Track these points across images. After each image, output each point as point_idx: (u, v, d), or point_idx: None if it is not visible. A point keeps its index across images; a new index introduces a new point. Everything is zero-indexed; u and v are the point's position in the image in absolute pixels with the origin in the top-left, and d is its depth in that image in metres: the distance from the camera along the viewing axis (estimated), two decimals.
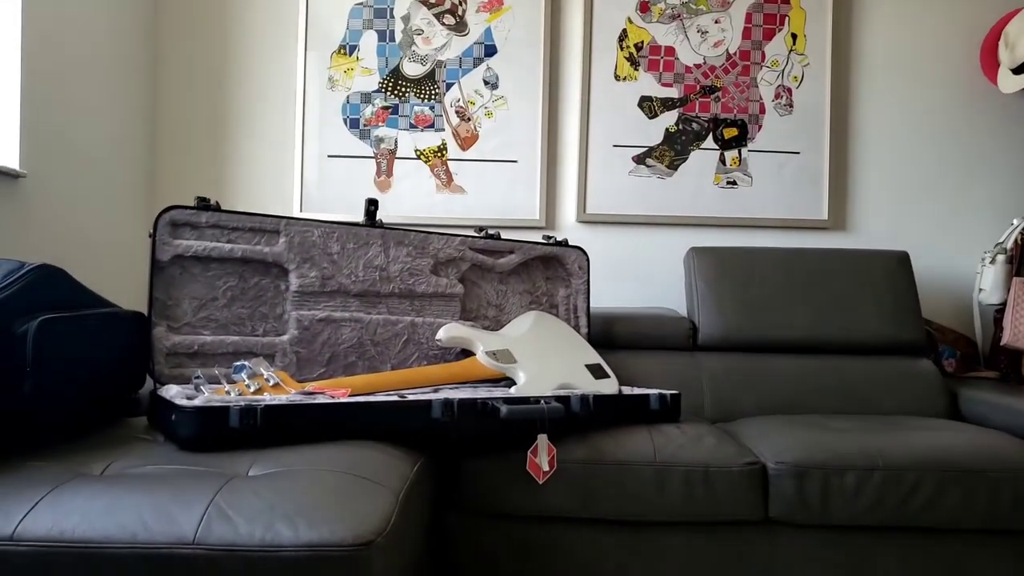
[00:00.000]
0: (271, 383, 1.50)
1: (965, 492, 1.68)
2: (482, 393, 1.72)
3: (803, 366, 2.33)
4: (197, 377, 1.53)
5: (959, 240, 2.80)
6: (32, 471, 1.19)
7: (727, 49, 2.80)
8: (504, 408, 1.56)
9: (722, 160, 2.80)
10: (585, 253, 2.27)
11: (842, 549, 1.72)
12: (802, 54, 2.79)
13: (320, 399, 1.47)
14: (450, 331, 1.90)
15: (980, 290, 2.55)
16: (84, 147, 2.34)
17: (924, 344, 2.42)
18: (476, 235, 2.15)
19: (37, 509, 1.05)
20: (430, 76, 2.78)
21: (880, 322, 2.38)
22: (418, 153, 2.79)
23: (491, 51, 2.79)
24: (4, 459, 1.24)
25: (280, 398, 1.44)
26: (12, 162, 2.03)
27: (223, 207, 1.81)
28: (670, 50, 2.80)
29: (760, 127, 2.80)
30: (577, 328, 2.24)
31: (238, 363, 1.53)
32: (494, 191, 2.79)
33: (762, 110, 2.80)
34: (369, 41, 2.78)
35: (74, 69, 2.29)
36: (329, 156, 2.79)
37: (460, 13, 2.78)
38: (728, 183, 2.79)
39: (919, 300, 2.44)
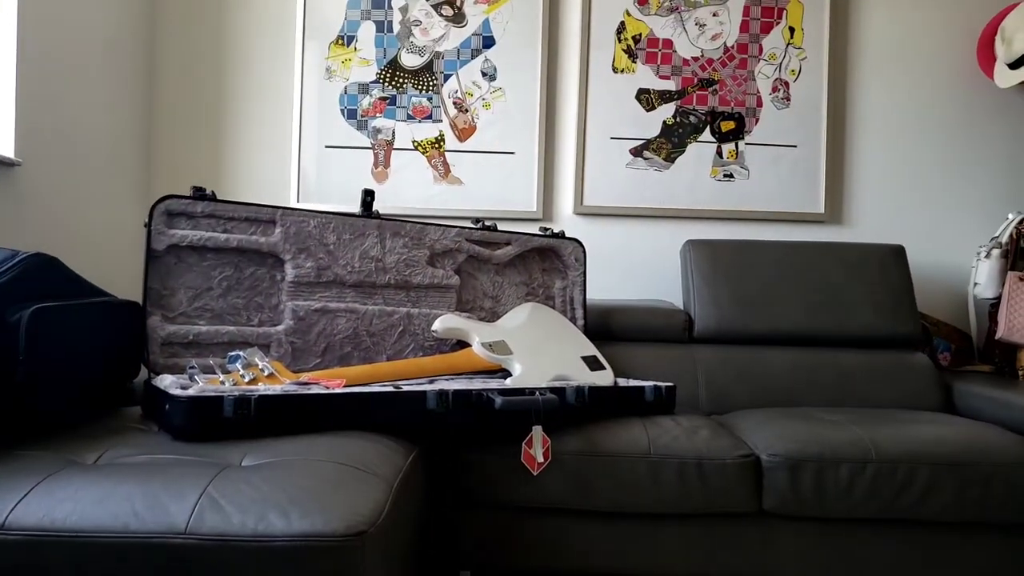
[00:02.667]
0: (266, 373, 1.50)
1: (958, 485, 1.69)
2: (477, 384, 1.72)
3: (798, 359, 2.34)
4: (191, 367, 1.53)
5: (955, 234, 2.80)
6: (24, 460, 1.19)
7: (725, 42, 2.79)
8: (499, 399, 1.56)
9: (719, 153, 2.79)
10: (582, 245, 2.27)
11: (836, 541, 1.73)
12: (800, 48, 2.79)
13: (315, 390, 1.47)
14: (446, 322, 1.90)
15: (975, 284, 2.55)
16: (80, 136, 2.34)
17: (919, 337, 2.42)
18: (473, 226, 2.15)
19: (29, 498, 1.05)
20: (428, 67, 2.78)
21: (875, 315, 2.39)
22: (416, 144, 2.79)
23: (489, 43, 2.78)
24: None
25: (274, 388, 1.44)
26: (7, 150, 2.03)
27: (219, 197, 1.81)
28: (668, 43, 2.79)
29: (757, 120, 2.79)
30: (573, 320, 2.24)
31: (233, 353, 1.53)
32: (491, 183, 2.79)
33: (759, 103, 2.79)
34: (367, 32, 2.78)
35: (70, 57, 2.28)
36: (326, 147, 2.78)
37: (458, 4, 2.77)
38: (725, 176, 2.79)
39: (914, 294, 2.45)
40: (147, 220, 1.69)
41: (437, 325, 1.89)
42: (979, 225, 2.78)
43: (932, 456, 1.70)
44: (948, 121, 2.82)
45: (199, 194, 1.76)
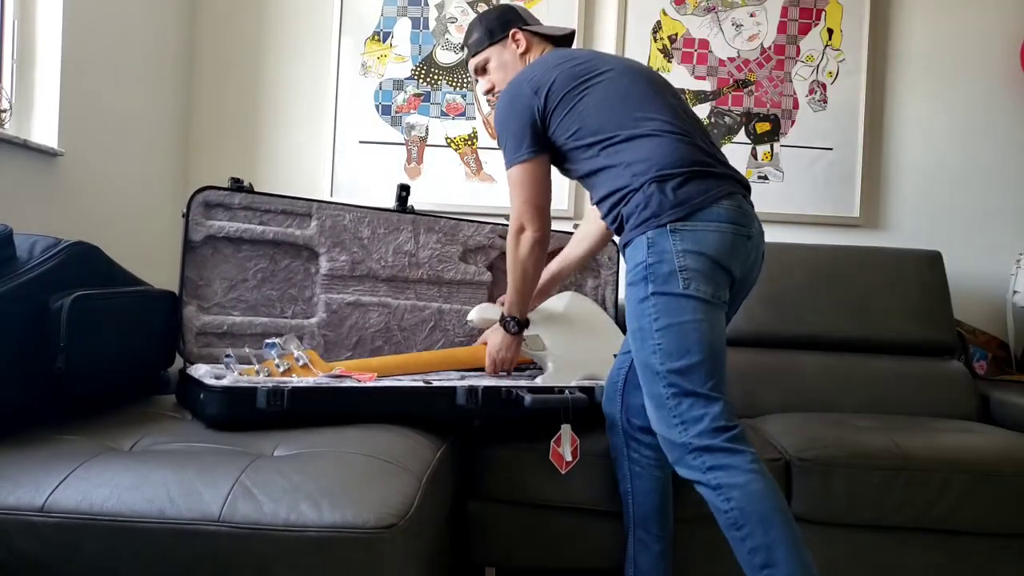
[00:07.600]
0: (300, 363, 1.51)
1: (993, 495, 1.66)
2: (507, 381, 1.72)
3: (830, 364, 2.31)
4: (227, 356, 1.55)
5: (993, 241, 2.75)
6: (63, 445, 1.21)
7: (761, 43, 2.77)
8: (528, 397, 1.56)
9: (754, 154, 2.77)
10: (615, 244, 2.26)
11: (866, 549, 1.71)
12: (838, 49, 2.76)
13: (346, 383, 1.48)
14: (482, 312, 1.86)
15: (1014, 292, 2.51)
16: (121, 127, 2.37)
17: (955, 345, 2.39)
18: (506, 223, 2.14)
19: (67, 482, 1.07)
20: (463, 64, 2.78)
21: (910, 322, 2.35)
22: (449, 141, 2.79)
23: None
24: (36, 432, 1.26)
25: (307, 381, 1.45)
26: (51, 140, 2.06)
27: (256, 189, 1.83)
28: (704, 43, 2.78)
29: (793, 122, 2.77)
30: None
31: (269, 341, 1.54)
32: None
33: (795, 105, 2.76)
34: (403, 28, 2.79)
35: (113, 51, 2.31)
36: (361, 142, 2.79)
37: (494, 2, 2.77)
38: (759, 178, 2.77)
39: (951, 301, 2.41)
40: (185, 211, 1.71)
41: (473, 315, 1.87)
42: (1018, 232, 2.73)
43: (967, 465, 1.68)
44: (988, 126, 2.77)
45: (236, 186, 1.78)
